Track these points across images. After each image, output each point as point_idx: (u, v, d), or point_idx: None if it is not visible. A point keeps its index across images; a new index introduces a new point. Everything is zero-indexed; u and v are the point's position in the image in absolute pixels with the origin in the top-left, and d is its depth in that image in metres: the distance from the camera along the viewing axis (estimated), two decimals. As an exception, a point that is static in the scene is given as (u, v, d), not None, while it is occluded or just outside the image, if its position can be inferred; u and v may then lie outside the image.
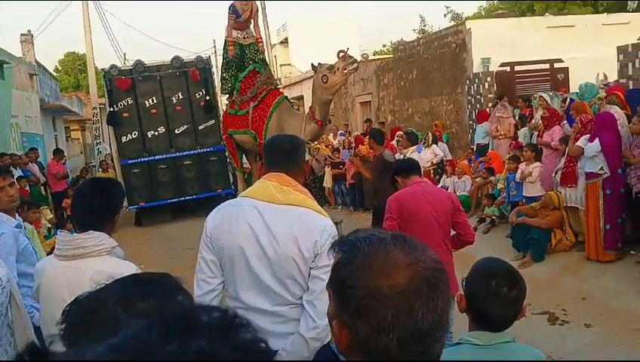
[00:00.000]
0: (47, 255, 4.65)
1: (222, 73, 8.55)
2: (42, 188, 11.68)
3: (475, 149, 10.88)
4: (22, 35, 17.19)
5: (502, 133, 10.02)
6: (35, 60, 17.28)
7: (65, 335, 0.99)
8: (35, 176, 11.09)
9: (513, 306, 1.77)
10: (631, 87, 8.11)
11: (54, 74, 28.09)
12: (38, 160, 12.55)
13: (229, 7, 8.08)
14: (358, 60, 7.84)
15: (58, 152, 13.19)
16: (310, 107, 7.61)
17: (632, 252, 6.42)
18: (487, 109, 11.05)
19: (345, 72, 6.76)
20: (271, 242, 2.16)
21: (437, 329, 0.95)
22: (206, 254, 2.28)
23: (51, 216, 9.61)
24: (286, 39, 31.02)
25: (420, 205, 3.81)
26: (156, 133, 12.35)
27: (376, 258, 0.97)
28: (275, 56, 26.89)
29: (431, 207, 3.80)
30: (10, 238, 3.10)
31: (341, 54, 6.81)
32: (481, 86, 11.55)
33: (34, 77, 16.53)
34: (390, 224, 3.79)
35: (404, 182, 4.05)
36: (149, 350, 0.56)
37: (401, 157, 8.39)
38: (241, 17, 8.09)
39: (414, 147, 10.05)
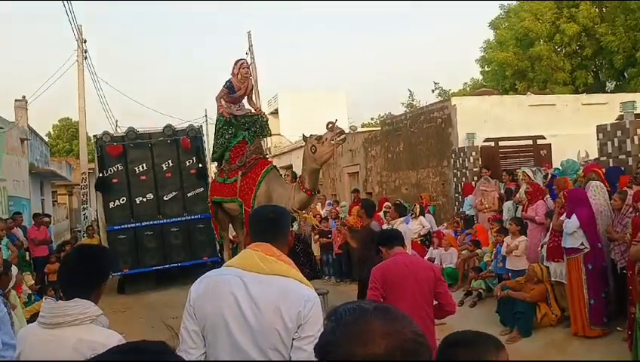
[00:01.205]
0: (27, 321, 4.56)
1: (215, 138, 8.63)
2: (27, 253, 11.48)
3: (461, 218, 10.98)
4: (16, 100, 17.45)
5: (486, 206, 10.18)
6: (28, 125, 17.46)
7: None
8: (20, 241, 10.94)
9: None
10: (611, 165, 8.33)
11: (46, 139, 28.28)
12: (23, 224, 12.39)
13: (226, 82, 8.26)
14: (346, 132, 8.04)
15: (37, 216, 12.59)
16: (300, 176, 7.73)
17: (618, 328, 6.39)
18: (473, 183, 11.25)
19: (332, 142, 6.92)
20: (254, 312, 2.16)
21: None
22: (189, 324, 2.25)
23: (32, 282, 9.44)
24: (276, 110, 31.71)
25: (403, 275, 3.87)
26: (144, 200, 12.35)
27: (356, 327, 1.02)
28: (265, 126, 27.33)
29: (413, 278, 3.86)
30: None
31: (329, 125, 7.00)
32: (466, 160, 11.81)
33: (25, 142, 16.64)
34: (373, 294, 3.83)
35: (387, 253, 4.12)
36: None
37: (389, 227, 8.44)
38: (236, 94, 8.30)
39: (402, 218, 10.12)
